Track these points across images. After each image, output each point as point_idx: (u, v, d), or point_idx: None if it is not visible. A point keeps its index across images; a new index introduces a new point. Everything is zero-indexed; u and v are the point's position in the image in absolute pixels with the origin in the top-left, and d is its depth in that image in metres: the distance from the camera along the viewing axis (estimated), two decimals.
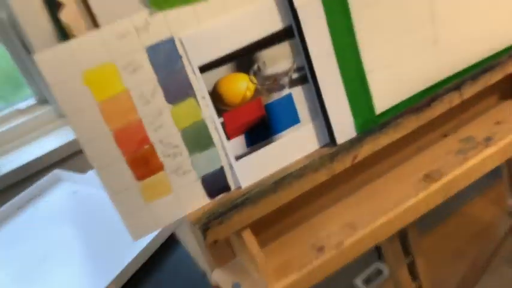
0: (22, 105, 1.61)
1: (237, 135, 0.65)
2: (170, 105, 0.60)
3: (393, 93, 0.70)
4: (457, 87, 0.72)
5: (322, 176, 0.65)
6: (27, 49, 1.51)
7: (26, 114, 1.60)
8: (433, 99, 0.70)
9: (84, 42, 0.54)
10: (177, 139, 0.62)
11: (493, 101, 0.87)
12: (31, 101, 1.64)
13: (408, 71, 0.69)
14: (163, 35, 0.57)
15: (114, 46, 0.55)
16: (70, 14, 0.55)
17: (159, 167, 0.62)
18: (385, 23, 0.66)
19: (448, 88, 0.71)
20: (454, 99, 0.72)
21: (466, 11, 0.71)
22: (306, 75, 0.66)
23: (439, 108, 0.71)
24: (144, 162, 0.61)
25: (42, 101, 1.64)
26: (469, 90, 0.72)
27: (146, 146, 0.60)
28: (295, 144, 0.68)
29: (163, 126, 0.60)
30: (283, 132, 0.67)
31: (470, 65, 0.74)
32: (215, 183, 0.66)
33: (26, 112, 1.61)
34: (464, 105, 0.82)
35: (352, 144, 0.67)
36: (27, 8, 0.52)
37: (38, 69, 0.53)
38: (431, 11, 0.69)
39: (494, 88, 0.86)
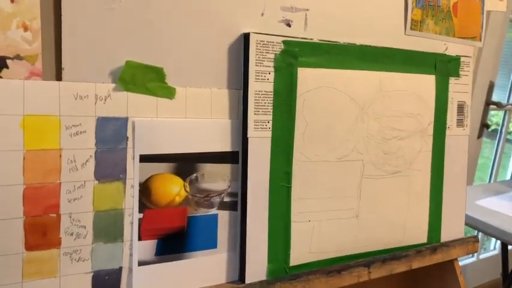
0: None
1: (150, 238, 0.61)
2: (96, 182, 0.57)
3: (310, 251, 0.71)
4: (367, 265, 0.74)
5: None
6: None
7: None
8: (344, 269, 0.72)
9: (40, 86, 0.53)
10: (88, 219, 0.57)
11: None
12: None
13: (329, 233, 0.72)
14: (118, 112, 0.57)
15: (67, 103, 0.54)
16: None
17: (56, 243, 0.55)
18: (320, 182, 0.71)
19: (359, 263, 0.74)
20: (362, 275, 0.74)
21: (386, 200, 0.78)
22: (236, 203, 0.66)
23: (347, 279, 0.72)
24: (42, 232, 0.54)
25: None
26: (377, 271, 0.75)
27: (53, 215, 0.55)
28: (205, 270, 0.65)
29: (80, 201, 0.56)
30: (197, 253, 0.64)
31: (382, 249, 0.78)
32: (106, 285, 0.59)
33: None
34: None
35: (261, 286, 0.64)
36: None
37: None
38: (359, 189, 0.75)
39: (394, 282, 0.90)
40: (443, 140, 0.83)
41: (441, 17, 0.80)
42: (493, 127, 2.33)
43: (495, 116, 2.44)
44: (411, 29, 0.77)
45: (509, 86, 2.30)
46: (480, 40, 0.86)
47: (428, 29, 0.79)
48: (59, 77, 0.54)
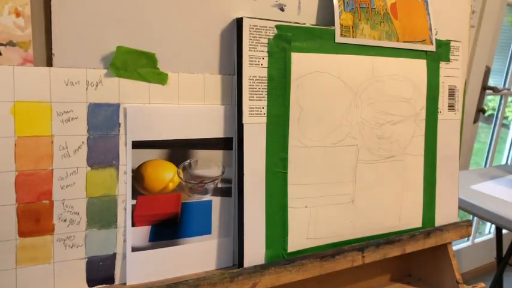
0: None
1: (143, 224, 0.61)
2: (89, 168, 0.57)
3: (308, 237, 0.71)
4: (361, 249, 0.75)
5: None
6: None
7: None
8: (338, 253, 0.72)
9: (31, 72, 0.52)
10: (81, 206, 0.57)
11: (385, 280, 0.91)
12: None
13: (326, 219, 0.72)
14: (110, 99, 0.57)
15: (58, 89, 0.54)
16: None
17: (49, 229, 0.55)
18: (316, 168, 0.71)
19: (353, 247, 0.74)
20: (356, 260, 0.74)
21: (382, 185, 0.78)
22: (231, 189, 0.66)
23: (342, 263, 0.72)
24: (35, 218, 0.54)
25: None
26: (371, 256, 0.76)
27: (45, 201, 0.55)
28: (199, 255, 0.65)
29: (73, 187, 0.56)
30: (191, 239, 0.64)
31: (377, 234, 0.78)
32: (100, 270, 0.59)
33: None
34: (362, 278, 0.85)
35: (255, 270, 0.65)
36: None
37: None
38: (354, 174, 0.75)
39: (389, 266, 0.90)
40: (435, 124, 0.83)
41: (378, 20, 0.74)
42: (489, 112, 2.33)
43: (491, 101, 2.44)
44: (342, 35, 0.70)
45: (506, 70, 2.30)
46: (431, 43, 0.80)
47: (363, 35, 0.72)
48: (49, 63, 0.54)
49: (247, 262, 0.66)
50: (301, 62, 0.67)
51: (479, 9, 1.86)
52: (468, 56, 0.85)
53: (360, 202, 0.76)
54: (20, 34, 0.51)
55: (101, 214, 0.58)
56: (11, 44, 0.51)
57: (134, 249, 0.61)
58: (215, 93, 0.64)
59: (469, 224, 0.90)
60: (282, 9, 0.67)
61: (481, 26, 1.89)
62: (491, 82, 2.07)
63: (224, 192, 0.66)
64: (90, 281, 0.59)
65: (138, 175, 0.60)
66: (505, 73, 2.30)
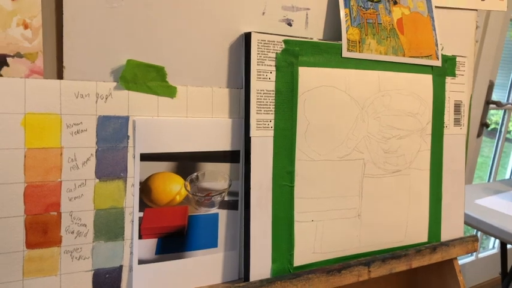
0: None
1: (150, 237, 0.61)
2: (97, 180, 0.57)
3: (314, 251, 0.71)
4: (367, 264, 0.74)
5: None
6: None
7: None
8: (344, 268, 0.72)
9: (41, 84, 0.52)
10: (89, 218, 0.57)
11: None
12: None
13: (332, 233, 0.72)
14: (119, 111, 0.57)
15: (68, 101, 0.54)
16: None
17: (56, 241, 0.55)
18: (323, 182, 0.71)
19: (359, 262, 0.74)
20: (362, 274, 0.74)
21: (388, 200, 0.78)
22: (237, 202, 0.66)
23: (348, 278, 0.72)
24: (42, 230, 0.54)
25: None
26: (377, 270, 0.75)
27: (53, 213, 0.55)
28: (205, 269, 0.65)
29: (81, 199, 0.56)
30: (198, 252, 0.64)
31: (383, 248, 0.78)
32: (106, 283, 0.59)
33: None
34: None
35: (261, 284, 0.64)
36: None
37: None
38: (360, 188, 0.75)
39: (395, 281, 0.90)
40: (441, 139, 0.83)
41: (384, 35, 0.74)
42: (492, 126, 2.33)
43: (495, 115, 2.44)
44: (349, 50, 0.70)
45: (509, 85, 2.31)
46: (437, 59, 0.80)
47: (370, 49, 0.73)
48: (60, 76, 0.54)
49: (253, 276, 0.65)
50: (308, 76, 0.67)
51: (482, 24, 1.87)
52: (469, 71, 0.86)
53: (366, 216, 0.76)
54: (28, 46, 0.52)
55: (108, 226, 0.58)
56: (18, 55, 0.52)
57: (141, 262, 0.60)
58: (223, 107, 0.64)
59: (475, 239, 0.89)
60: (290, 24, 0.67)
61: (484, 41, 1.90)
62: (494, 96, 2.08)
63: (231, 205, 0.66)
64: None
65: (145, 187, 0.60)
66: (508, 87, 2.31)
